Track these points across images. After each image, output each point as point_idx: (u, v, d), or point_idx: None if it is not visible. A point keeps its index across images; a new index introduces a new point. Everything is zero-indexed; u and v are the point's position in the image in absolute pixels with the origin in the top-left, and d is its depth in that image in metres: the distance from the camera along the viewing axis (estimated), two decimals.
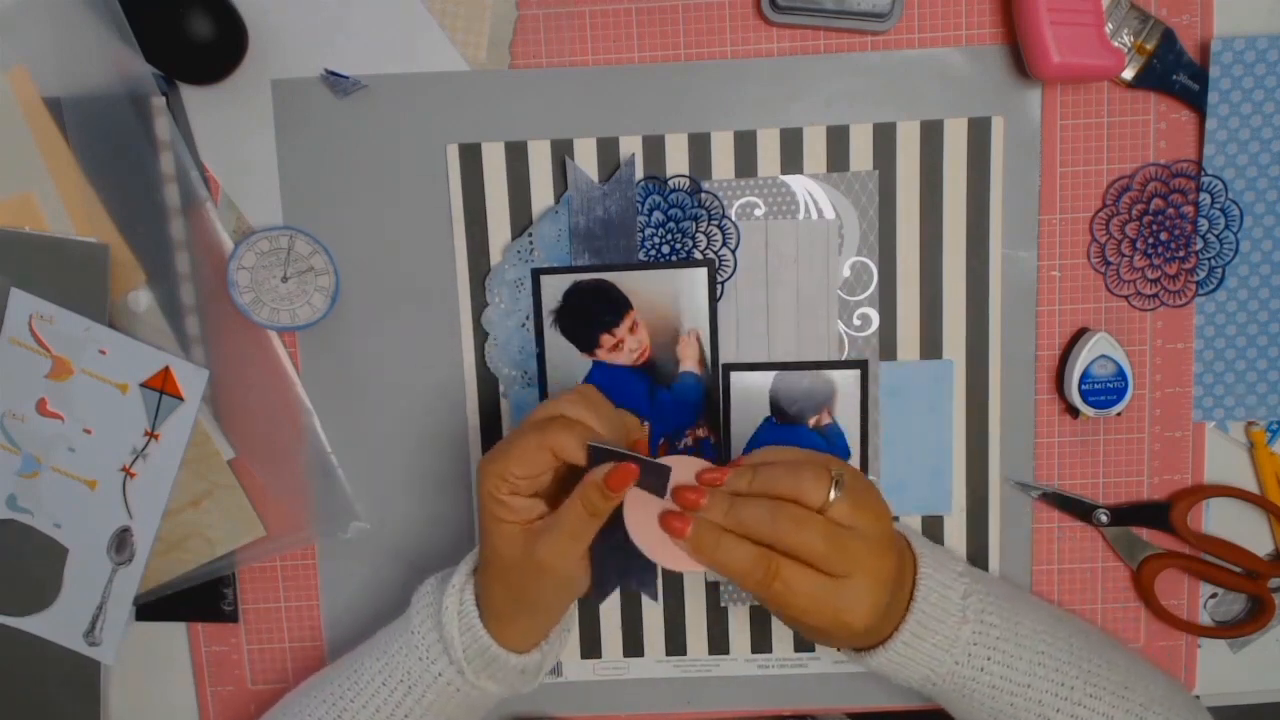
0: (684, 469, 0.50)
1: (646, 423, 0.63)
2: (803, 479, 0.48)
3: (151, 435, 0.63)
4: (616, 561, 0.65)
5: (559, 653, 0.59)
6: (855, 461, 0.64)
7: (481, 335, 0.64)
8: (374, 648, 0.58)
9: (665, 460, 0.50)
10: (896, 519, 0.64)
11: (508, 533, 0.51)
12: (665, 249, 0.62)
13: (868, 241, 0.62)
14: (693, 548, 0.48)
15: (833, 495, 0.48)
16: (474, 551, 0.57)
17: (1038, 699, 0.54)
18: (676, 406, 0.63)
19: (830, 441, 0.63)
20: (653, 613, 0.66)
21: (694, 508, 0.49)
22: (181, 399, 0.62)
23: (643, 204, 0.62)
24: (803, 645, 0.66)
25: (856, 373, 0.63)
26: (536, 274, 0.62)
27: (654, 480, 0.50)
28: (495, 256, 0.63)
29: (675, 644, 0.66)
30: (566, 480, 0.53)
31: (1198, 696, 0.66)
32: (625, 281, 0.62)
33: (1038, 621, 0.57)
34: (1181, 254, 0.62)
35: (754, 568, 0.47)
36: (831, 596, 0.48)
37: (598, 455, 0.50)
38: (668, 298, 0.62)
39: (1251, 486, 0.64)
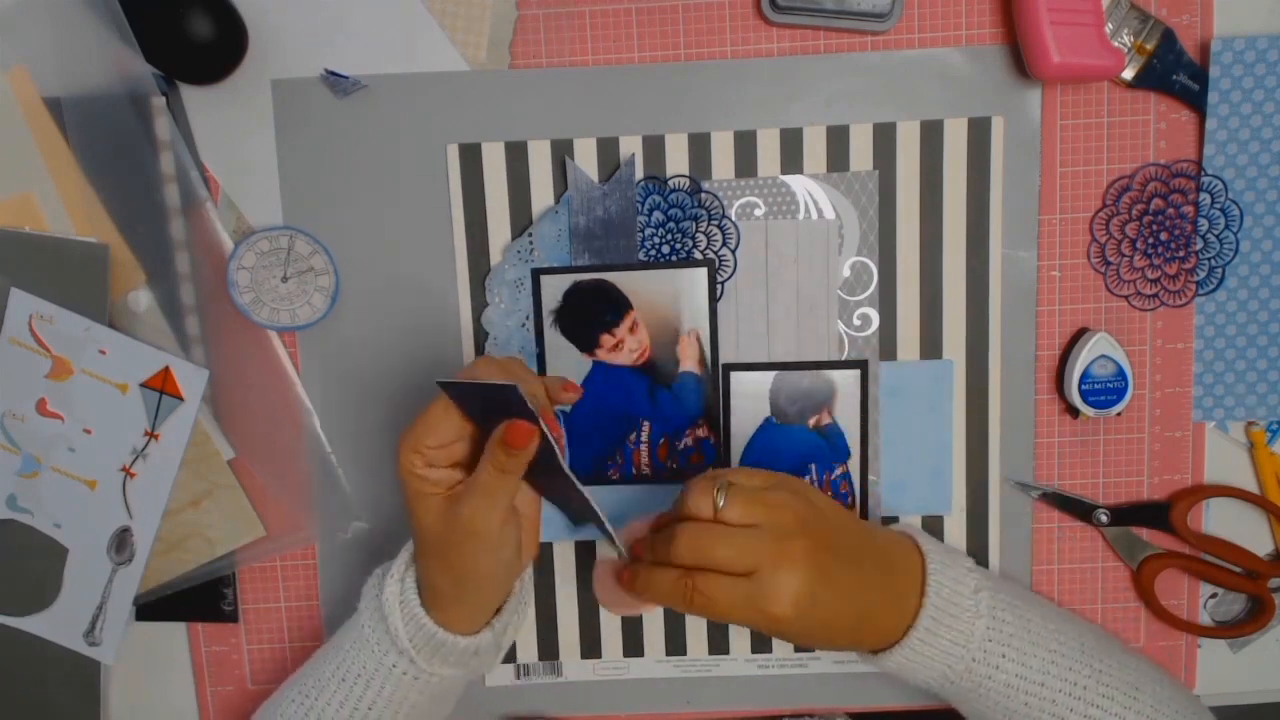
0: (638, 527, 0.56)
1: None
2: (691, 497, 0.51)
3: (151, 435, 0.63)
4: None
5: (515, 631, 0.60)
6: (855, 461, 0.64)
7: (481, 335, 0.64)
8: (331, 645, 0.58)
9: (628, 528, 0.56)
10: (896, 519, 0.64)
11: (430, 506, 0.51)
12: (665, 249, 0.62)
13: (868, 241, 0.62)
14: (631, 589, 0.52)
15: (721, 502, 0.50)
16: (407, 545, 0.57)
17: (1051, 698, 0.54)
18: (676, 406, 0.63)
19: (830, 441, 0.63)
20: (653, 612, 0.66)
21: (636, 556, 0.54)
22: (181, 399, 0.62)
23: (643, 204, 0.62)
24: (803, 645, 0.66)
25: (856, 373, 0.63)
26: (536, 274, 0.62)
27: (507, 401, 0.50)
28: (495, 256, 0.63)
29: (675, 644, 0.66)
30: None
31: (1197, 696, 0.66)
32: (625, 281, 0.62)
33: (1048, 620, 0.57)
34: (1181, 254, 0.62)
35: (674, 589, 0.50)
36: (747, 593, 0.49)
37: (451, 391, 0.51)
38: (668, 298, 0.62)
39: (1251, 486, 0.64)
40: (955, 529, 0.64)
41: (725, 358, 0.63)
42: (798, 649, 0.66)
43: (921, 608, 0.53)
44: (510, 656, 0.67)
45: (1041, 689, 0.54)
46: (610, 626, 0.66)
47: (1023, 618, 0.56)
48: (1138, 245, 0.62)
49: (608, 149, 0.62)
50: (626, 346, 0.63)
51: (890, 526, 0.61)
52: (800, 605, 0.49)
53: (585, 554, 0.66)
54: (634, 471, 0.64)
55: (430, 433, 0.51)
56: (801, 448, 0.64)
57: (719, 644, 0.66)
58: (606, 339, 0.63)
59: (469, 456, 0.53)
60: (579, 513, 0.57)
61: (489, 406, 0.50)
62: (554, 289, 0.62)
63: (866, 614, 0.53)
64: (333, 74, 0.60)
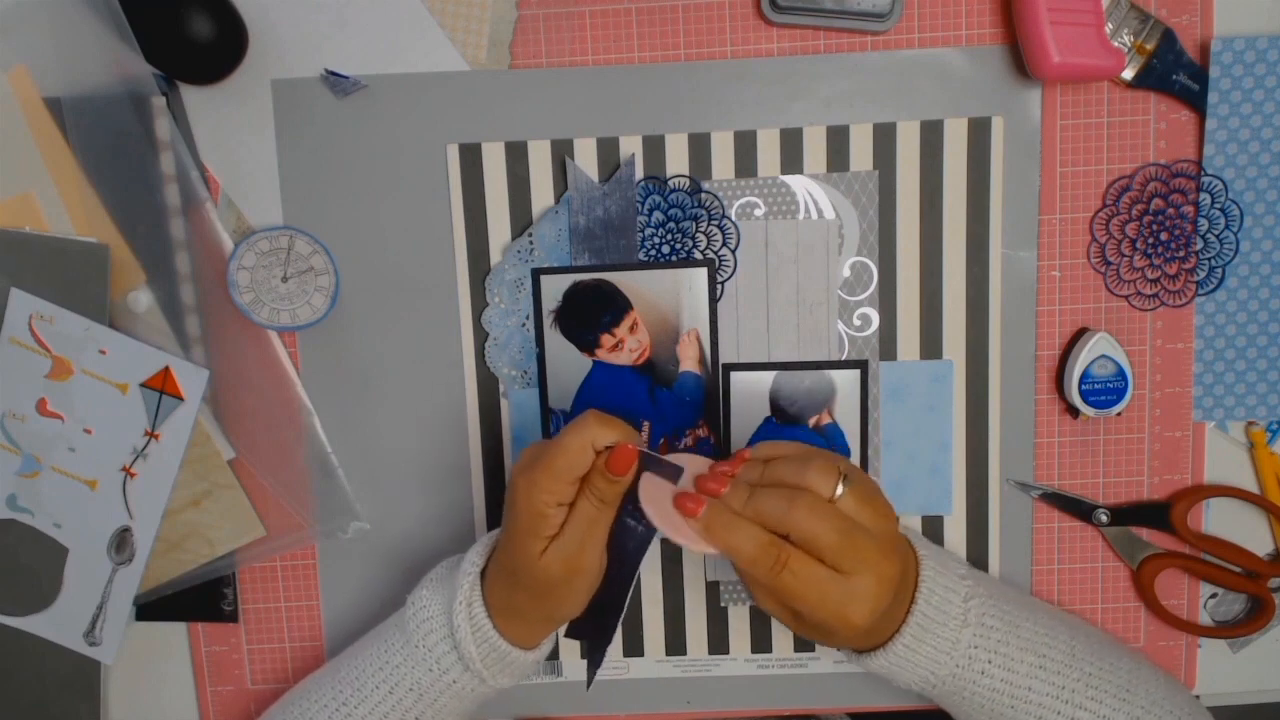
0: (695, 466, 0.52)
1: (645, 424, 0.63)
2: (810, 471, 0.48)
3: (151, 435, 0.63)
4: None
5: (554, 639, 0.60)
6: (855, 461, 0.64)
7: (481, 335, 0.64)
8: (373, 655, 0.57)
9: (675, 458, 0.52)
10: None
11: (536, 549, 0.51)
12: (665, 249, 0.62)
13: (868, 241, 0.62)
14: (704, 528, 0.49)
15: (840, 490, 0.48)
16: (471, 555, 0.56)
17: (1038, 701, 0.55)
18: (676, 406, 0.63)
19: (830, 441, 0.63)
20: (653, 613, 0.66)
21: (714, 495, 0.50)
22: (181, 399, 0.62)
23: (643, 204, 0.62)
24: (803, 645, 0.66)
25: (856, 373, 0.63)
26: (536, 274, 0.62)
27: (665, 474, 0.51)
28: (495, 256, 0.63)
29: (675, 644, 0.66)
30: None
31: (1197, 696, 0.66)
32: (625, 281, 0.62)
33: (1038, 625, 0.57)
34: (1181, 254, 0.62)
35: (764, 554, 0.47)
36: (838, 591, 0.47)
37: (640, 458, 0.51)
38: (668, 298, 0.62)
39: (1251, 486, 0.64)
40: (955, 529, 0.64)
41: (725, 358, 0.63)
42: (798, 649, 0.66)
43: (910, 614, 0.53)
44: None
45: (1028, 693, 0.55)
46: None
47: (1011, 624, 0.56)
48: (1138, 245, 0.62)
49: (608, 149, 0.62)
50: (626, 346, 0.63)
51: None
52: (875, 619, 0.49)
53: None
54: None
55: (570, 468, 0.50)
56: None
57: (719, 644, 0.66)
58: (606, 339, 0.63)
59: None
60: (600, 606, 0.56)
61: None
62: (554, 289, 0.62)
63: (882, 616, 0.52)
64: (333, 74, 0.60)
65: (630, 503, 0.52)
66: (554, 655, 0.67)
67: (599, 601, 0.55)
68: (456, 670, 0.55)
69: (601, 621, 0.56)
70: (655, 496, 0.51)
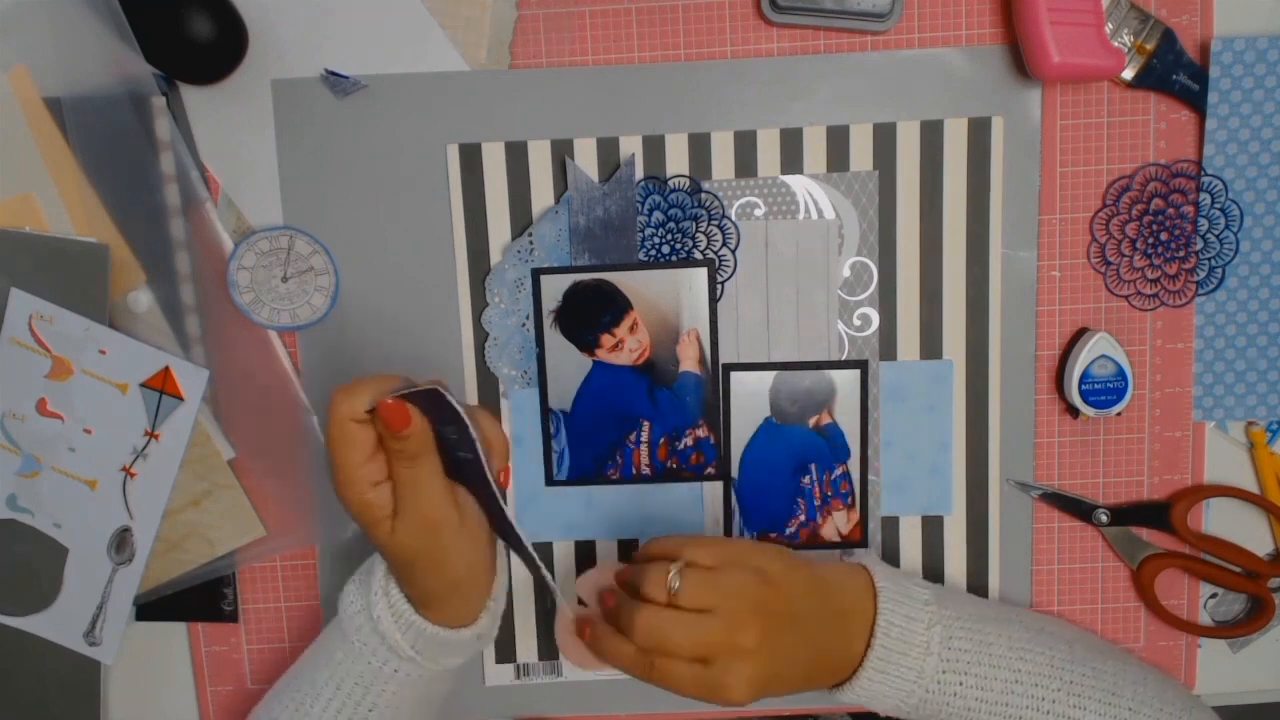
0: (605, 571, 0.56)
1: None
2: (646, 582, 0.51)
3: (151, 435, 0.63)
4: None
5: (503, 605, 0.58)
6: (855, 461, 0.64)
7: (481, 335, 0.64)
8: (319, 655, 0.57)
9: (588, 576, 0.56)
10: (896, 519, 0.64)
11: (387, 526, 0.50)
12: (665, 249, 0.62)
13: (868, 241, 0.62)
14: (592, 649, 0.53)
15: (675, 586, 0.50)
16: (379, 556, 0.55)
17: (1017, 715, 0.55)
18: (676, 406, 0.63)
19: (830, 441, 0.63)
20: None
21: (607, 607, 0.54)
22: (181, 399, 0.62)
23: (643, 204, 0.62)
24: None
25: (856, 373, 0.63)
26: (536, 274, 0.62)
27: (427, 405, 0.49)
28: (495, 256, 0.63)
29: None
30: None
31: (1197, 696, 0.66)
32: (625, 281, 0.62)
33: (1014, 639, 0.57)
34: (1181, 254, 0.62)
35: (635, 663, 0.51)
36: (704, 680, 0.50)
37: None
38: (668, 298, 0.62)
39: (1251, 486, 0.64)
40: (955, 529, 0.64)
41: (725, 358, 0.63)
42: None
43: (869, 649, 0.54)
44: (510, 656, 0.67)
45: (1006, 709, 0.55)
46: None
47: (983, 643, 0.56)
48: (1138, 245, 0.62)
49: (608, 149, 0.62)
50: (626, 346, 0.63)
51: (848, 559, 0.61)
52: (755, 689, 0.50)
53: (585, 554, 0.66)
54: (634, 471, 0.64)
55: (349, 451, 0.49)
56: (801, 448, 0.64)
57: None
58: (606, 339, 0.63)
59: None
60: (513, 542, 0.54)
61: (432, 419, 0.49)
62: (554, 289, 0.62)
63: (817, 664, 0.54)
64: (333, 74, 0.60)
65: (443, 432, 0.50)
66: (554, 655, 0.67)
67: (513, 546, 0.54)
68: (394, 660, 0.54)
69: (506, 537, 0.54)
70: (567, 637, 0.56)
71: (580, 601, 0.57)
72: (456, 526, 0.51)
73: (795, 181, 0.62)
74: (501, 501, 0.50)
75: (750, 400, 0.63)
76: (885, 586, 0.56)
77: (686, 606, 0.50)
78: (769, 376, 0.63)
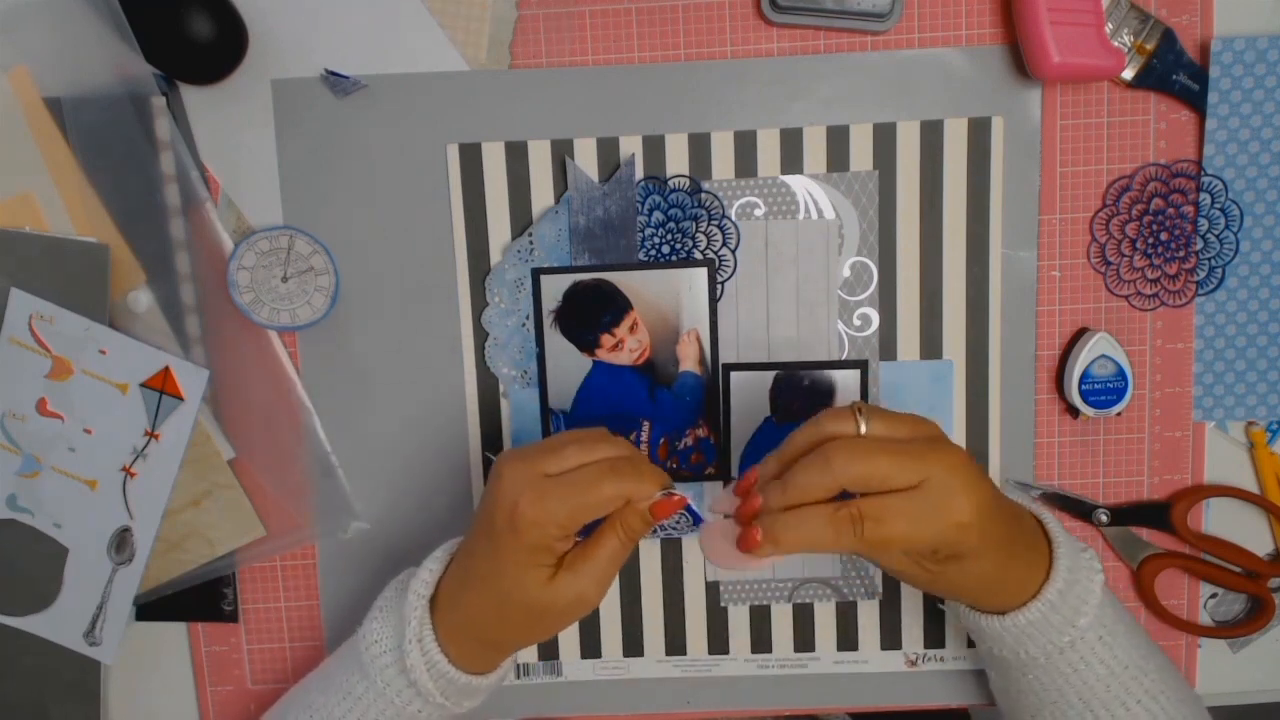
0: (722, 505, 0.51)
1: (646, 424, 0.63)
2: (825, 424, 0.47)
3: (151, 435, 0.63)
4: None
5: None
6: None
7: (481, 335, 0.64)
8: (339, 685, 0.55)
9: (714, 499, 0.52)
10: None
11: (542, 578, 0.49)
12: (665, 249, 0.62)
13: (868, 241, 0.62)
14: (775, 546, 0.46)
15: (862, 424, 0.46)
16: (417, 584, 0.53)
17: (1147, 689, 0.52)
18: (676, 406, 0.63)
19: None
20: (653, 612, 0.66)
21: (755, 510, 0.47)
22: (181, 399, 0.62)
23: (643, 204, 0.62)
24: (803, 645, 0.66)
25: (856, 373, 0.63)
26: (536, 274, 0.62)
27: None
28: (495, 256, 0.63)
29: (675, 644, 0.66)
30: None
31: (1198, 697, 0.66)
32: (625, 281, 0.62)
33: (1138, 631, 0.55)
34: (1181, 254, 0.62)
35: (834, 522, 0.45)
36: (927, 506, 0.44)
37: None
38: (668, 298, 0.62)
39: (1251, 486, 0.64)
40: None
41: (725, 358, 0.63)
42: (798, 649, 0.66)
43: (1054, 569, 0.50)
44: None
45: (1139, 681, 0.52)
46: (610, 626, 0.66)
47: (1115, 609, 0.53)
48: (1138, 245, 0.62)
49: (608, 149, 0.62)
50: (626, 346, 0.63)
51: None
52: (983, 509, 0.45)
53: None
54: None
55: (589, 511, 0.48)
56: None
57: (719, 644, 0.66)
58: (606, 339, 0.63)
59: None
60: None
61: None
62: (554, 289, 0.62)
63: (1004, 569, 0.49)
64: (333, 74, 0.60)
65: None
66: (554, 655, 0.67)
67: None
68: (418, 703, 0.53)
69: None
70: (718, 545, 0.51)
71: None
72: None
73: (795, 181, 0.62)
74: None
75: (750, 400, 0.63)
76: (1056, 531, 0.52)
77: (881, 435, 0.46)
78: (769, 376, 0.63)
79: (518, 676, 0.67)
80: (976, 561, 0.47)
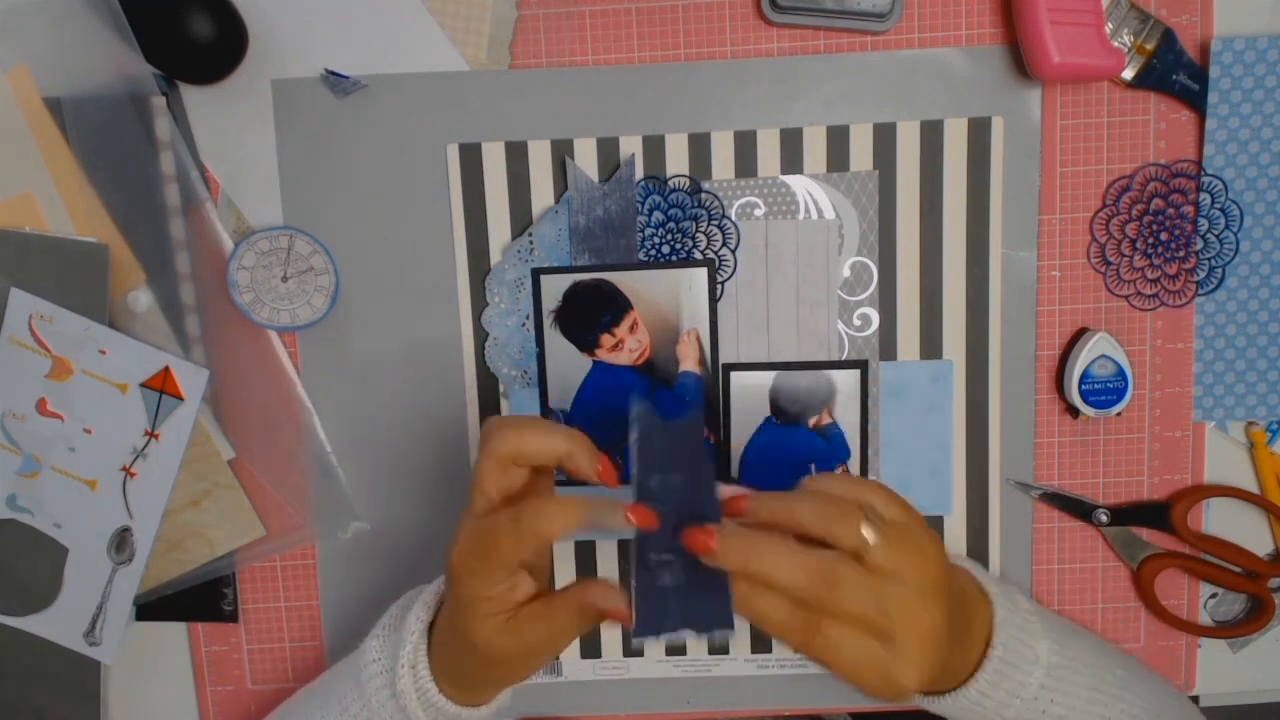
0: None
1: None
2: (836, 522, 0.43)
3: (151, 435, 0.63)
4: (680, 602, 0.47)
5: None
6: (855, 461, 0.64)
7: (481, 335, 0.64)
8: (336, 701, 0.55)
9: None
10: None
11: (494, 626, 0.46)
12: (665, 249, 0.62)
13: (868, 241, 0.62)
14: (737, 601, 0.44)
15: (870, 539, 0.42)
16: (418, 609, 0.53)
17: None
18: (676, 406, 0.63)
19: (830, 441, 0.63)
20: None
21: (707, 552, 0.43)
22: (181, 399, 0.62)
23: (643, 204, 0.62)
24: None
25: (856, 373, 0.63)
26: (536, 274, 0.62)
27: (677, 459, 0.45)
28: (495, 256, 0.63)
29: (675, 644, 0.66)
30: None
31: (1196, 697, 0.66)
32: (625, 281, 0.62)
33: (1088, 656, 0.55)
34: (1181, 254, 0.62)
35: (792, 623, 0.43)
36: (879, 660, 0.42)
37: (643, 424, 0.45)
38: (668, 298, 0.62)
39: (1251, 486, 0.64)
40: (955, 529, 0.64)
41: (725, 358, 0.63)
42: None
43: (986, 658, 0.51)
44: None
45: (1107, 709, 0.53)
46: (611, 626, 0.66)
47: (1073, 660, 0.54)
48: (1138, 245, 0.62)
49: (608, 149, 0.62)
50: (626, 346, 0.63)
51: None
52: (927, 678, 0.44)
53: (585, 554, 0.66)
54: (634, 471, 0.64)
55: (516, 552, 0.44)
56: (801, 448, 0.64)
57: (719, 644, 0.66)
58: (606, 339, 0.63)
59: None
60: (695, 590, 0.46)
61: (666, 463, 0.44)
62: (554, 289, 0.62)
63: (951, 651, 0.47)
64: (333, 74, 0.60)
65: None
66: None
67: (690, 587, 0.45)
68: None
69: (713, 608, 0.45)
70: None
71: None
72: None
73: (795, 181, 0.62)
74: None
75: (750, 400, 0.63)
76: (998, 596, 0.53)
77: (879, 565, 0.42)
78: (769, 376, 0.63)
79: None
80: (898, 701, 0.46)
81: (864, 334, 0.63)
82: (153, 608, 0.66)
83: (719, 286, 0.62)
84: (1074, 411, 0.62)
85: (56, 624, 0.65)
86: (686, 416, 0.46)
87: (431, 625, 0.53)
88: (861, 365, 0.63)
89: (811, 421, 0.63)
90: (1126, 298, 0.62)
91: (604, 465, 0.47)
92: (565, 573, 0.66)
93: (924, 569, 0.44)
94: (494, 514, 0.46)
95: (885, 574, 0.42)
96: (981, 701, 0.52)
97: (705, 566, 0.43)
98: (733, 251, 0.62)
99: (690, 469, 0.45)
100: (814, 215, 0.62)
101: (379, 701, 0.53)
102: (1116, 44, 0.59)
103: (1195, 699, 0.66)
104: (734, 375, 0.63)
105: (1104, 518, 0.64)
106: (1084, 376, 0.61)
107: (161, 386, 0.62)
